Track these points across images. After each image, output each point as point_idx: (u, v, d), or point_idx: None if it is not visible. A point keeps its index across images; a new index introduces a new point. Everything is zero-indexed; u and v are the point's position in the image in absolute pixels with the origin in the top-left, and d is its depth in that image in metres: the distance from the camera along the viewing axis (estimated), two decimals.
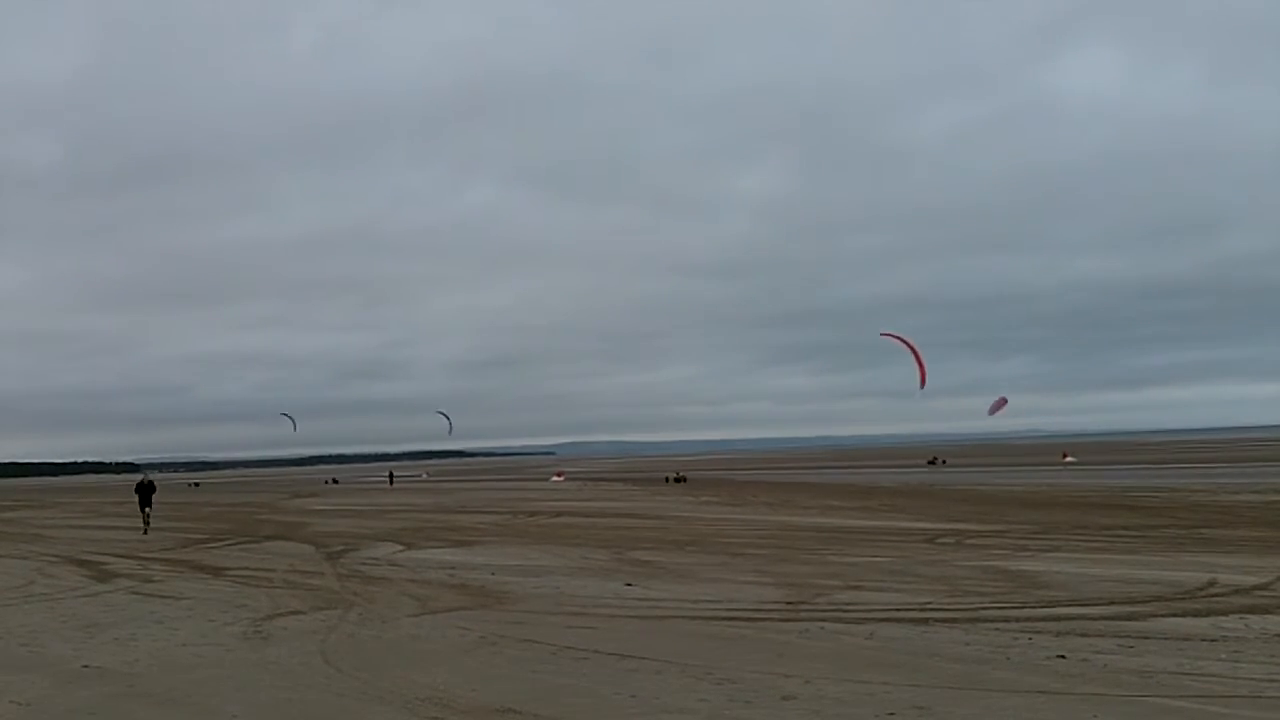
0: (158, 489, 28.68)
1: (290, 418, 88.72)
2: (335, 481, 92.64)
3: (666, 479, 64.52)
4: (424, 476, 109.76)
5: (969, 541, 19.00)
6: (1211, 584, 12.30)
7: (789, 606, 11.30)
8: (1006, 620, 10.01)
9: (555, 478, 77.28)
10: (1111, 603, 10.99)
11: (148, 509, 27.18)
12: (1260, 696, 6.85)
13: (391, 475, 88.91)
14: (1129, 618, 10.03)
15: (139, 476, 30.20)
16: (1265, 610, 10.36)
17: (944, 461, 79.05)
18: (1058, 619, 9.99)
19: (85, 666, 8.80)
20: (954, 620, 10.11)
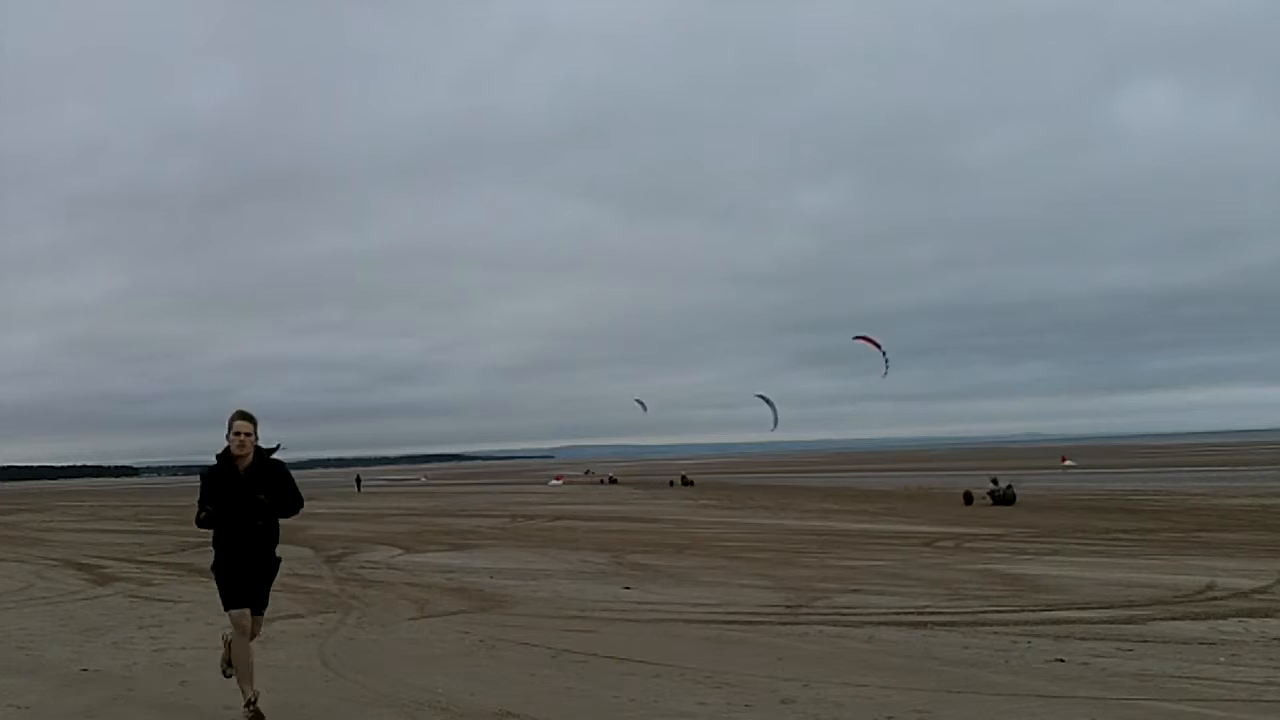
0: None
1: (641, 403, 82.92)
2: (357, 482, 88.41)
3: (966, 495, 34.17)
4: (422, 480, 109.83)
5: (968, 545, 19.01)
6: (1210, 587, 12.31)
7: (788, 610, 11.30)
8: (1005, 624, 10.01)
9: (554, 481, 77.24)
10: (1110, 606, 11.00)
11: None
12: (1259, 700, 6.85)
13: (359, 480, 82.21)
14: (1128, 621, 10.04)
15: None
16: (1264, 614, 10.36)
17: (616, 480, 75.14)
18: (1056, 622, 10.00)
19: (84, 670, 8.79)
20: (953, 624, 10.11)
